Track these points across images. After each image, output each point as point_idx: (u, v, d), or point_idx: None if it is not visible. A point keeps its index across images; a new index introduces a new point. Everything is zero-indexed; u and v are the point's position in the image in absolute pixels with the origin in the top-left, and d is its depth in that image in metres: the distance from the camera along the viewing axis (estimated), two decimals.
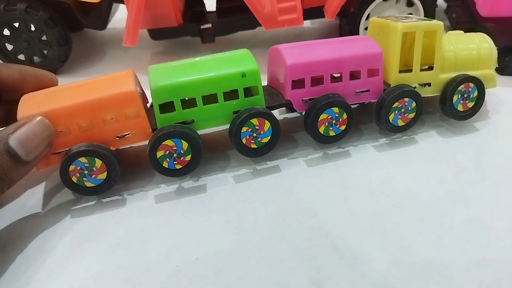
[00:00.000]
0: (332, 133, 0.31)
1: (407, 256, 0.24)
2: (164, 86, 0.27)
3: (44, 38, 0.44)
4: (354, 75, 0.31)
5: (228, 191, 0.29)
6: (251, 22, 0.44)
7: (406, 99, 0.31)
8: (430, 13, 0.44)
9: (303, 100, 0.31)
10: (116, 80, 0.28)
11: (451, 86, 0.32)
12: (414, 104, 0.32)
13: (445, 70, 0.33)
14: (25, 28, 0.43)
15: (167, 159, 0.28)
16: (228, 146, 0.32)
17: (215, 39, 0.47)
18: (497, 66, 0.36)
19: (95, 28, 0.47)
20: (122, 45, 0.42)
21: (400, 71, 0.32)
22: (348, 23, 0.44)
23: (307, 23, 0.47)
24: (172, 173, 0.29)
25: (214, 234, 0.26)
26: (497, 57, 0.36)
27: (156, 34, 0.46)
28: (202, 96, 0.28)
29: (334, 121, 0.31)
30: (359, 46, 0.31)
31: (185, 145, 0.28)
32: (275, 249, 0.25)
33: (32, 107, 0.27)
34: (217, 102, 0.29)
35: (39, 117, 0.26)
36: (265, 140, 0.30)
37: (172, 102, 0.28)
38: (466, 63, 0.34)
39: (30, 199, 0.30)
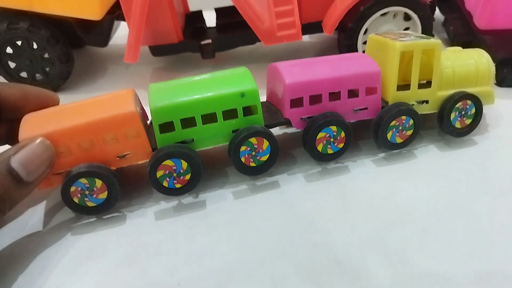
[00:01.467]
0: (330, 151, 0.32)
1: (409, 270, 0.24)
2: (163, 106, 0.27)
3: (46, 55, 0.44)
4: (353, 91, 0.32)
5: (229, 207, 0.30)
6: (251, 38, 0.44)
7: (404, 117, 0.32)
8: (427, 27, 0.44)
9: (301, 118, 0.31)
10: (116, 100, 0.29)
11: (449, 104, 0.33)
12: (411, 122, 0.32)
13: (443, 87, 0.33)
14: (27, 46, 0.44)
15: (167, 178, 0.28)
16: (226, 162, 0.32)
17: (215, 55, 0.47)
18: (495, 78, 0.37)
19: (96, 45, 0.47)
20: (124, 61, 0.42)
21: (399, 86, 0.32)
22: (346, 37, 0.44)
23: (306, 37, 0.47)
24: (172, 192, 0.29)
25: (216, 251, 0.26)
26: (495, 69, 0.36)
27: (157, 50, 0.46)
28: (201, 115, 0.29)
29: (332, 139, 0.31)
30: (357, 65, 0.32)
31: (184, 164, 0.28)
32: (277, 265, 0.25)
33: (33, 128, 0.27)
34: (217, 121, 0.29)
35: (40, 138, 0.26)
36: (264, 158, 0.30)
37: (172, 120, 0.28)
38: (464, 80, 0.34)
39: (32, 218, 0.30)
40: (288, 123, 0.31)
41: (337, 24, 0.43)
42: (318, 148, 0.31)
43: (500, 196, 0.29)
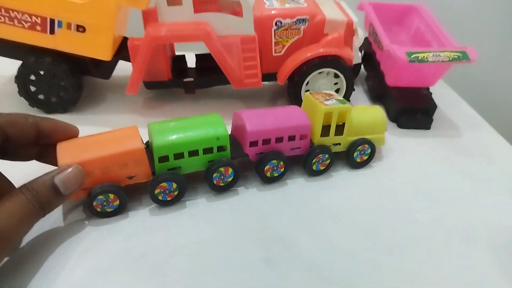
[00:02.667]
0: (275, 174, 0.42)
1: (327, 243, 0.35)
2: (162, 145, 0.36)
3: (62, 83, 0.50)
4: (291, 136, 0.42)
5: (204, 207, 0.38)
6: (224, 80, 0.52)
7: (321, 155, 0.42)
8: (349, 83, 0.54)
9: (256, 153, 0.41)
10: (128, 137, 0.37)
11: (353, 147, 0.44)
12: (327, 156, 0.43)
13: (350, 134, 0.44)
14: (48, 76, 0.49)
15: (161, 194, 0.37)
16: (201, 179, 0.41)
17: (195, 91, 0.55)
18: (397, 121, 0.47)
19: (102, 78, 0.54)
20: (125, 93, 0.49)
21: (323, 126, 0.42)
22: (293, 87, 0.54)
23: (264, 83, 0.54)
24: (164, 203, 0.38)
25: (197, 231, 0.35)
26: (396, 115, 0.47)
27: (150, 85, 0.53)
28: (188, 151, 0.38)
29: (275, 168, 0.41)
30: (296, 118, 0.41)
31: (174, 185, 0.37)
32: (239, 240, 0.35)
33: (69, 156, 0.34)
34: (198, 155, 0.38)
35: (76, 165, 0.34)
36: (229, 180, 0.40)
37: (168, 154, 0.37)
38: (366, 129, 0.45)
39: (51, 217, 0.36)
40: (247, 156, 0.41)
41: (287, 77, 0.53)
42: (267, 174, 0.41)
43: (386, 198, 0.41)
